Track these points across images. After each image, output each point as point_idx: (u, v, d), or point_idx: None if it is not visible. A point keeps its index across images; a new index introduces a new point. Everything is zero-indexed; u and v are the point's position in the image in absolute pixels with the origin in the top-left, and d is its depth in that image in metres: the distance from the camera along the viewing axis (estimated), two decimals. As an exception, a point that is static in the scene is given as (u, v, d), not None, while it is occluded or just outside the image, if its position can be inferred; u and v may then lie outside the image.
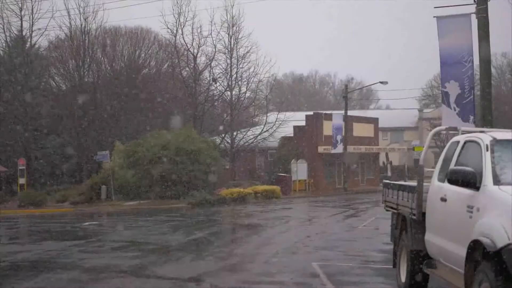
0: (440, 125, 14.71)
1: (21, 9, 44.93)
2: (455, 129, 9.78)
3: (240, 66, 49.11)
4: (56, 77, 50.71)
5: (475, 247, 6.73)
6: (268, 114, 51.25)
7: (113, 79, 49.15)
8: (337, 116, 48.28)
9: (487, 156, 7.38)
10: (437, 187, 8.63)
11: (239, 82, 49.57)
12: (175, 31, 47.80)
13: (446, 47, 15.93)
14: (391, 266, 10.83)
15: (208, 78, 50.63)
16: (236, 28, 48.55)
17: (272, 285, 11.38)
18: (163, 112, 48.90)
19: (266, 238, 19.48)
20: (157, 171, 36.66)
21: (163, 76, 51.77)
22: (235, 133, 49.27)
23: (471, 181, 7.21)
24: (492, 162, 7.26)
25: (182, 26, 47.65)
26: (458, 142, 8.57)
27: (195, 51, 48.16)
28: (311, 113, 54.16)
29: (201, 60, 49.28)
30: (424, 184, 9.05)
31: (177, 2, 48.80)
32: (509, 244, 6.06)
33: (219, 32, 48.35)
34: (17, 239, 22.20)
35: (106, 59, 50.50)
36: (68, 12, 47.38)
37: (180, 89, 49.13)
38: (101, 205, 35.92)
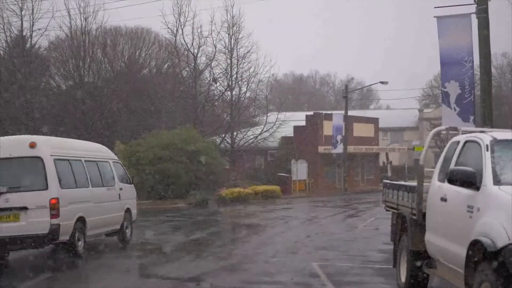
0: (440, 125, 14.71)
1: (21, 9, 44.94)
2: (455, 129, 9.79)
3: (240, 66, 49.14)
4: (56, 77, 50.71)
5: (475, 247, 6.73)
6: (268, 114, 51.24)
7: (113, 79, 49.15)
8: (337, 116, 48.28)
9: (487, 156, 7.39)
10: (437, 187, 8.63)
11: (239, 82, 49.60)
12: (175, 31, 47.86)
13: (446, 47, 15.94)
14: (391, 266, 10.82)
15: (208, 78, 50.66)
16: (236, 28, 48.58)
17: (272, 285, 11.38)
18: (164, 112, 48.91)
19: (266, 238, 19.49)
20: (157, 171, 36.66)
21: (163, 76, 51.76)
22: (235, 133, 49.27)
23: (471, 181, 7.21)
24: (492, 162, 7.27)
25: (182, 26, 47.70)
26: (458, 142, 8.58)
27: (195, 51, 48.20)
28: (311, 113, 54.14)
29: (201, 60, 49.33)
30: (424, 184, 9.05)
31: (177, 2, 48.76)
32: (509, 244, 6.07)
33: (219, 32, 48.38)
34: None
35: (106, 59, 50.50)
36: (68, 12, 47.32)
37: (180, 89, 49.12)
38: (101, 205, 35.84)
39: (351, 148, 50.08)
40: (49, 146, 14.55)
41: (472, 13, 16.16)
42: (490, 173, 7.15)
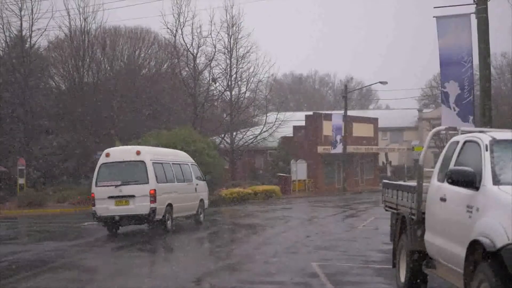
0: (439, 125, 14.70)
1: (20, 9, 44.88)
2: (455, 129, 9.78)
3: (240, 66, 49.08)
4: (56, 77, 50.70)
5: (475, 247, 6.73)
6: (267, 114, 51.23)
7: (113, 79, 49.14)
8: (337, 116, 48.30)
9: (486, 156, 7.39)
10: (436, 187, 8.63)
11: (239, 82, 49.56)
12: (174, 31, 47.77)
13: (446, 47, 15.94)
14: (391, 266, 10.82)
15: (208, 78, 50.63)
16: (235, 28, 48.54)
17: (272, 285, 11.38)
18: (163, 112, 48.90)
19: (266, 238, 19.50)
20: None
21: (162, 76, 51.75)
22: (234, 133, 49.27)
23: (470, 181, 7.21)
24: (492, 162, 7.27)
25: (181, 26, 47.61)
26: (457, 142, 8.58)
27: (195, 51, 48.14)
28: (310, 113, 54.16)
29: (201, 60, 49.26)
30: (424, 184, 9.06)
31: (177, 2, 48.65)
32: (508, 244, 6.07)
33: (218, 32, 48.32)
34: (17, 239, 22.20)
35: (106, 59, 50.48)
36: (68, 12, 47.30)
37: (180, 89, 49.11)
38: (101, 205, 35.83)
39: (350, 148, 50.08)
40: (149, 153, 20.70)
41: (472, 13, 16.17)
42: (489, 173, 7.15)
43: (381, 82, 50.67)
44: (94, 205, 19.87)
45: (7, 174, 41.56)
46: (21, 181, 39.72)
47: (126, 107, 47.39)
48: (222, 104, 53.13)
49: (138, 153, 20.06)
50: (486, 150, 7.47)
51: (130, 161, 19.94)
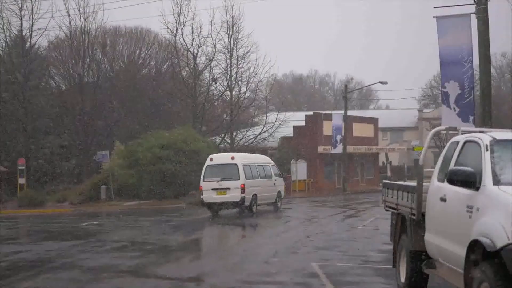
0: (439, 125, 14.67)
1: (21, 9, 44.90)
2: (455, 129, 9.77)
3: (240, 66, 49.06)
4: (56, 77, 50.72)
5: (475, 247, 6.73)
6: (268, 114, 51.20)
7: (113, 79, 49.16)
8: (337, 116, 48.22)
9: (486, 156, 7.38)
10: (436, 187, 8.62)
11: (239, 82, 49.54)
12: (175, 31, 47.81)
13: (446, 47, 15.93)
14: (391, 266, 10.81)
15: (208, 78, 50.62)
16: (236, 28, 48.52)
17: (272, 285, 11.38)
18: (163, 112, 48.91)
19: (266, 238, 19.50)
20: (157, 171, 36.67)
21: (163, 76, 51.76)
22: (234, 133, 49.26)
23: (470, 181, 7.20)
24: (492, 162, 7.26)
25: (182, 26, 47.65)
26: (457, 142, 8.57)
27: (195, 51, 48.16)
28: (311, 113, 54.12)
29: (201, 60, 49.27)
30: (424, 184, 9.05)
31: (177, 2, 48.67)
32: (508, 244, 6.07)
33: (219, 32, 48.32)
34: (17, 239, 22.21)
35: (106, 59, 50.50)
36: (68, 12, 47.33)
37: (180, 89, 49.13)
38: (101, 205, 35.93)
39: (350, 148, 50.05)
40: (240, 158, 27.95)
41: (472, 13, 16.17)
42: (489, 173, 7.14)
43: (381, 82, 50.60)
44: (202, 194, 26.60)
45: (7, 174, 41.57)
46: (21, 181, 39.73)
47: (126, 107, 47.40)
48: (222, 104, 53.12)
49: (232, 158, 27.33)
50: (486, 150, 7.46)
51: (227, 163, 26.91)
